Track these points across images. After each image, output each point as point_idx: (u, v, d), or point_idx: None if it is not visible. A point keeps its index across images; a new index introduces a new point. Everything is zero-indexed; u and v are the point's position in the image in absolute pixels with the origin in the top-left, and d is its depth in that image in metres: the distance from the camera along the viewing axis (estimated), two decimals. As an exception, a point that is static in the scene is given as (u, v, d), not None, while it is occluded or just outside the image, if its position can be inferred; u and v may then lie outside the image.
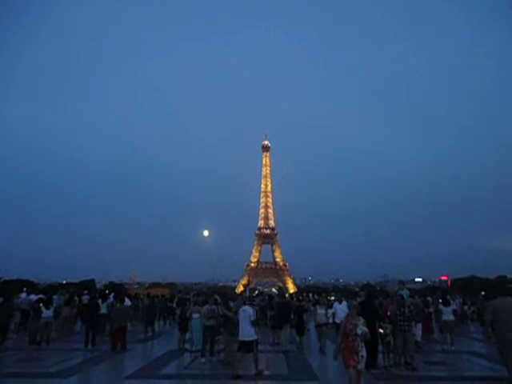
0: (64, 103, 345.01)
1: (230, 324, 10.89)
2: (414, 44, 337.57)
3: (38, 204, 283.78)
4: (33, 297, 17.75)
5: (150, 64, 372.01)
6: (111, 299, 18.28)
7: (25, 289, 21.95)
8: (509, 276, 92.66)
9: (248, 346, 9.48)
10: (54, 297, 18.91)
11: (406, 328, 10.38)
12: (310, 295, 36.85)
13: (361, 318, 7.02)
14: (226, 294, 25.59)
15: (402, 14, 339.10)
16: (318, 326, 13.60)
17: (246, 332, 9.52)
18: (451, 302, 15.14)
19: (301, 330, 13.80)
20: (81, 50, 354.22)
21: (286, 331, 13.76)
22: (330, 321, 14.10)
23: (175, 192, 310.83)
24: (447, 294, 24.67)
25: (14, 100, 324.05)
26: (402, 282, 16.55)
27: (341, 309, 13.02)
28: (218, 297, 15.46)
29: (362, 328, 6.83)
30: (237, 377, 9.19)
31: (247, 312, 9.74)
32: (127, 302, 16.79)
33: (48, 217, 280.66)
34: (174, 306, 22.66)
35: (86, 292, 26.24)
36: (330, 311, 14.32)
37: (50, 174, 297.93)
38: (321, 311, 13.59)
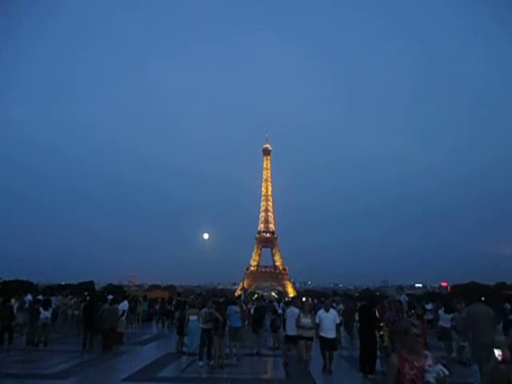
0: (67, 103, 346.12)
1: (222, 328, 11.03)
2: (417, 48, 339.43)
3: (38, 202, 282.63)
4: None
5: (154, 65, 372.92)
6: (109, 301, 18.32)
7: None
8: (508, 282, 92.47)
9: (294, 340, 10.75)
10: (53, 298, 19.00)
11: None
12: (310, 299, 36.44)
13: (428, 353, 3.67)
14: (225, 297, 25.59)
15: (402, 17, 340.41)
16: (301, 338, 10.21)
17: (293, 328, 10.70)
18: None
19: None
20: (84, 50, 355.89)
21: (261, 335, 13.98)
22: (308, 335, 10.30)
23: (176, 193, 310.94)
24: (458, 301, 24.40)
25: (18, 99, 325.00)
26: (400, 288, 16.60)
27: (328, 318, 10.37)
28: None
29: (438, 370, 3.49)
30: (286, 364, 11.24)
31: (294, 312, 11.07)
32: (125, 304, 16.79)
33: (47, 215, 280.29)
34: (173, 308, 22.64)
35: (87, 293, 26.38)
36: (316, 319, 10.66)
37: (49, 171, 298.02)
38: (305, 320, 10.23)
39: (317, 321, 10.41)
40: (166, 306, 23.71)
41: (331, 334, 10.32)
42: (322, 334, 10.36)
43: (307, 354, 10.13)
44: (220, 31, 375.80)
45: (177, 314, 16.20)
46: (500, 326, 11.10)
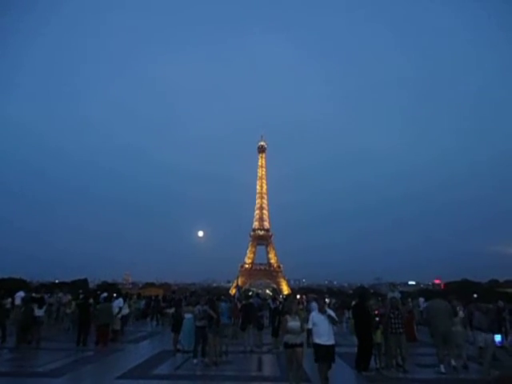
0: (68, 99, 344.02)
1: (215, 324, 11.01)
2: (415, 46, 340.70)
3: (32, 198, 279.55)
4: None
5: (154, 64, 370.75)
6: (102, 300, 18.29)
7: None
8: (501, 280, 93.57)
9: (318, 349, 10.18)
10: (46, 296, 18.94)
11: (400, 330, 10.45)
12: (304, 297, 36.06)
13: None
14: (219, 294, 25.60)
15: (401, 16, 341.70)
16: (287, 346, 8.23)
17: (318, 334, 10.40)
18: (457, 308, 13.03)
19: (275, 331, 13.75)
20: (87, 48, 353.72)
21: (249, 332, 14.02)
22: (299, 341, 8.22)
23: (171, 190, 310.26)
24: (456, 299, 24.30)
25: (18, 95, 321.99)
26: (393, 284, 16.72)
27: (323, 321, 8.20)
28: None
29: None
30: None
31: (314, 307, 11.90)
32: (120, 301, 16.75)
33: (42, 212, 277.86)
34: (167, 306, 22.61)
35: (81, 291, 26.37)
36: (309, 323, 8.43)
37: (45, 166, 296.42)
38: (294, 323, 8.29)
39: (310, 325, 8.33)
40: (161, 303, 23.70)
41: (329, 341, 8.06)
42: (317, 341, 8.10)
43: (297, 364, 8.15)
44: (218, 32, 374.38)
45: (170, 312, 16.16)
46: (458, 319, 11.72)
